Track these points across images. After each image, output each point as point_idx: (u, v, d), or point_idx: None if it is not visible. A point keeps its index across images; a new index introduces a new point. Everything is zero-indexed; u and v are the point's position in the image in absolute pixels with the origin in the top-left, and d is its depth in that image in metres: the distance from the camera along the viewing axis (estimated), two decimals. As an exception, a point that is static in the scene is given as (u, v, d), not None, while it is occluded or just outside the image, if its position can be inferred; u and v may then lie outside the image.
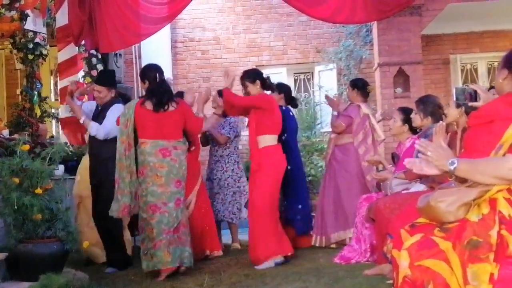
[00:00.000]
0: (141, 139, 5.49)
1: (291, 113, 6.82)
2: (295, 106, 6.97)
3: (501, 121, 2.62)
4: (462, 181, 2.66)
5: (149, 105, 5.51)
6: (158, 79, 5.63)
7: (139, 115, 5.50)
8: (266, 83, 6.06)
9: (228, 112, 6.15)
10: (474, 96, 3.20)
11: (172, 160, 5.47)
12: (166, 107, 5.51)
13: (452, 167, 2.60)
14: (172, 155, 5.47)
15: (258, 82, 5.97)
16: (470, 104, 3.30)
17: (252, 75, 6.04)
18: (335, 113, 6.70)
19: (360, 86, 6.76)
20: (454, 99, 3.22)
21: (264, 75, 6.15)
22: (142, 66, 9.98)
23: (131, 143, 5.49)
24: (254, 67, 10.90)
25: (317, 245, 6.58)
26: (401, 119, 5.52)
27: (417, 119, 5.21)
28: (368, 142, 6.56)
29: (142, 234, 5.51)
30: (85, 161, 6.22)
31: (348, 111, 6.67)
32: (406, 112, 5.57)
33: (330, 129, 9.60)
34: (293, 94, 10.83)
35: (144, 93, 5.78)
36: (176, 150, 5.51)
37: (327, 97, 7.08)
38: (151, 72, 5.69)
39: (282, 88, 6.91)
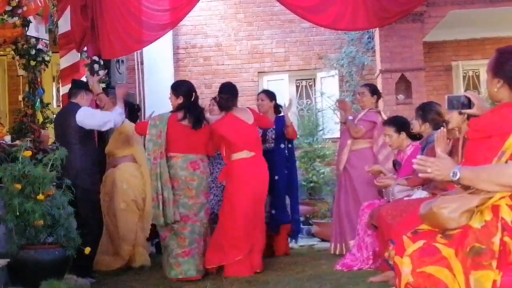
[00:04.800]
0: (171, 153, 5.69)
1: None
2: (278, 113, 6.95)
3: (499, 137, 2.62)
4: (467, 188, 2.65)
5: (186, 122, 5.69)
6: (193, 97, 5.83)
7: (174, 130, 5.68)
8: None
9: None
10: (467, 103, 3.18)
11: (201, 173, 5.74)
12: (202, 125, 5.74)
13: (455, 178, 2.60)
14: (201, 167, 5.74)
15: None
16: (463, 111, 3.29)
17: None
18: (350, 117, 6.58)
19: (379, 94, 6.83)
20: (446, 106, 3.19)
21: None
22: (144, 72, 10.11)
23: (163, 152, 5.64)
24: (256, 73, 10.99)
25: (336, 253, 6.49)
26: (394, 131, 5.52)
27: (416, 125, 5.23)
28: (388, 149, 6.46)
29: (166, 242, 5.69)
30: (128, 168, 6.44)
31: (368, 116, 6.57)
32: (395, 123, 5.58)
33: (331, 136, 9.59)
34: (295, 100, 10.97)
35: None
36: (203, 163, 5.80)
37: (341, 101, 6.98)
38: (187, 89, 5.86)
39: (273, 96, 6.97)
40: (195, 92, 5.90)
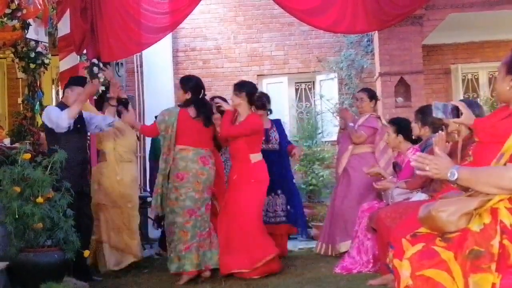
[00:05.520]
0: (181, 146, 5.73)
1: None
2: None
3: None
4: (465, 188, 2.66)
5: (197, 117, 5.75)
6: (202, 94, 5.87)
7: (186, 124, 5.72)
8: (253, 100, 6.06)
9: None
10: (456, 112, 3.20)
11: (210, 169, 5.80)
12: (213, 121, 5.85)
13: (453, 178, 2.60)
14: (209, 163, 5.81)
15: (244, 95, 5.93)
16: (452, 120, 3.31)
17: (242, 88, 6.00)
18: (351, 124, 6.58)
19: (377, 98, 6.82)
20: (434, 114, 3.21)
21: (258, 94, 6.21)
22: (144, 75, 10.10)
23: (171, 148, 5.74)
24: (255, 76, 10.99)
25: (321, 253, 6.55)
26: (394, 131, 5.55)
27: (415, 128, 5.23)
28: (389, 154, 6.43)
29: (172, 237, 5.72)
30: (101, 168, 6.40)
31: (369, 122, 6.58)
32: (397, 123, 5.60)
33: (331, 138, 9.60)
34: (294, 103, 10.97)
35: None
36: (211, 159, 5.85)
37: (342, 110, 6.91)
38: (195, 85, 5.89)
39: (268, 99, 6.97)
40: (204, 88, 5.93)
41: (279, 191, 6.61)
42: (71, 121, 5.57)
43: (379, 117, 6.75)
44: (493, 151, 2.69)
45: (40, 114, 7.42)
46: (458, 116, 3.21)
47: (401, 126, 5.56)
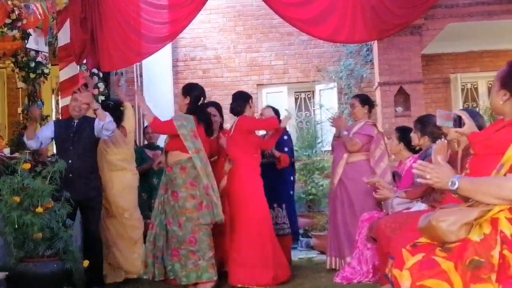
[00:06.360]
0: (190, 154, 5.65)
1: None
2: None
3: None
4: (466, 198, 2.66)
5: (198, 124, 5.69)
6: (201, 101, 5.78)
7: (199, 132, 5.63)
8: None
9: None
10: (458, 121, 3.21)
11: None
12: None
13: (453, 188, 2.60)
14: None
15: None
16: (454, 130, 3.32)
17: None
18: (345, 132, 6.42)
19: (371, 103, 6.64)
20: (437, 123, 3.23)
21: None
22: (143, 85, 10.11)
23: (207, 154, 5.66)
24: (255, 85, 11.01)
25: (336, 268, 6.26)
26: (396, 138, 5.56)
27: (414, 138, 5.23)
28: (385, 162, 6.32)
29: (195, 247, 5.40)
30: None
31: (364, 129, 6.42)
32: (401, 131, 5.60)
33: (330, 148, 9.63)
34: (294, 112, 10.98)
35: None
36: None
37: (335, 119, 6.69)
38: (197, 92, 5.77)
39: (277, 111, 6.94)
40: (204, 97, 5.82)
41: (275, 205, 6.55)
42: (32, 144, 5.75)
43: (375, 124, 6.58)
44: (490, 163, 2.68)
45: (40, 124, 7.43)
46: (460, 126, 3.22)
47: (404, 135, 5.55)
